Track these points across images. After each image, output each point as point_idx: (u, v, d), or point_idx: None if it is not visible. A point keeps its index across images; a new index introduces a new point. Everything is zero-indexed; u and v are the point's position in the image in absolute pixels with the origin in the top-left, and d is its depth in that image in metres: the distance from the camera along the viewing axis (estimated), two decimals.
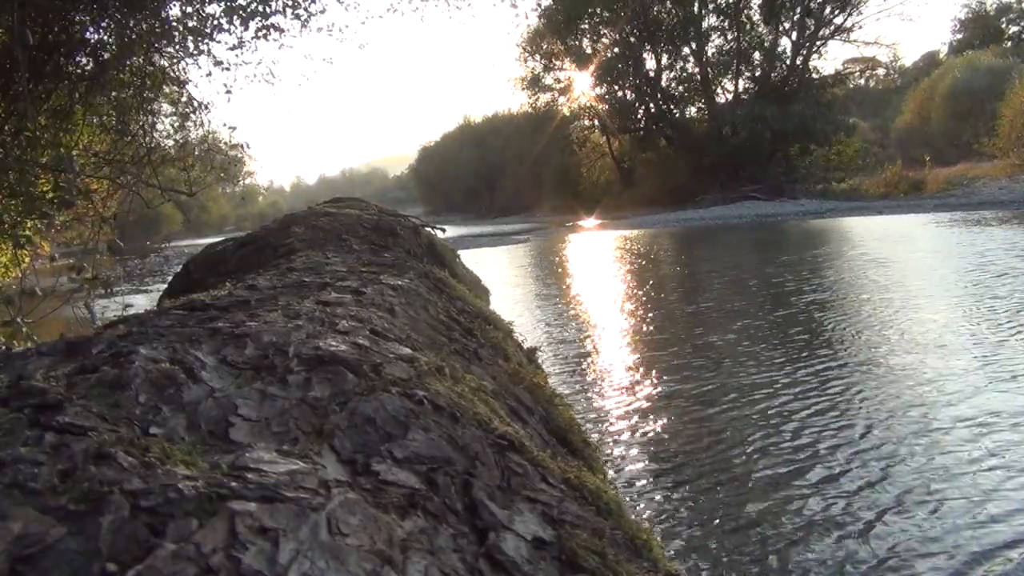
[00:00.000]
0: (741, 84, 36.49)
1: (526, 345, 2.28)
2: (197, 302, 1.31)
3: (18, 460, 0.60)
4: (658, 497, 3.53)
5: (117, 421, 0.72)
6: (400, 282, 1.80)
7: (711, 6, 35.87)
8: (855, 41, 35.25)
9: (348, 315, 1.29)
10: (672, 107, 38.60)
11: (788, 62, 35.00)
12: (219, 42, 6.37)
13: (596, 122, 40.73)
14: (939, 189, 26.30)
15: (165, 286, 2.85)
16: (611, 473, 3.73)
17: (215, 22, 6.10)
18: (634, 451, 4.17)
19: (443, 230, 3.60)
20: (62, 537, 0.52)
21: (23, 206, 4.85)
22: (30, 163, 4.95)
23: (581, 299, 10.64)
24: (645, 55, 38.25)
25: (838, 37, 34.80)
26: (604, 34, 38.68)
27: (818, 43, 34.64)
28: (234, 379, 0.89)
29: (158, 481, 0.60)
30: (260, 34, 6.33)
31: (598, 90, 39.07)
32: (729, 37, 36.38)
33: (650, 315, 8.63)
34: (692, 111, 38.65)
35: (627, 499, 3.43)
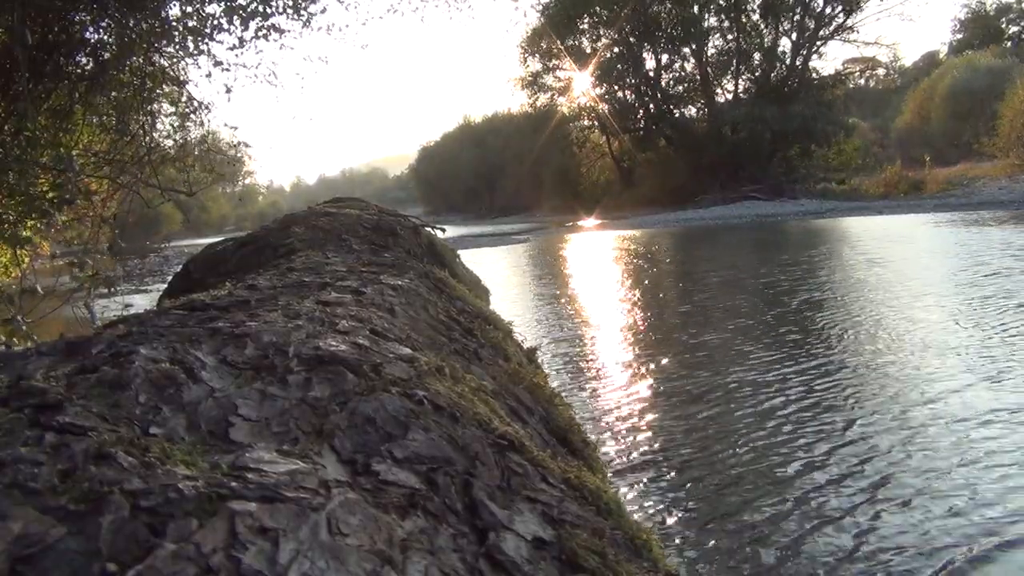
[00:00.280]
0: (741, 84, 36.53)
1: (526, 345, 2.28)
2: (197, 302, 1.31)
3: (18, 460, 0.60)
4: (658, 496, 3.53)
5: (117, 421, 0.72)
6: (400, 282, 1.80)
7: (711, 6, 35.88)
8: (855, 41, 35.28)
9: (348, 315, 1.29)
10: (672, 107, 38.61)
11: (788, 62, 35.01)
12: (219, 42, 6.36)
13: (596, 122, 40.75)
14: (939, 189, 26.32)
15: (165, 286, 2.85)
16: (611, 473, 3.73)
17: (215, 22, 6.10)
18: (633, 450, 4.17)
19: (443, 230, 3.59)
20: (62, 537, 0.52)
21: (23, 206, 4.85)
22: (30, 163, 4.95)
23: (581, 299, 10.65)
24: (645, 55, 38.29)
25: (838, 37, 34.83)
26: (604, 34, 38.70)
27: (818, 43, 34.66)
28: (234, 379, 0.89)
29: (158, 481, 0.60)
30: (260, 34, 6.33)
31: (598, 90, 39.12)
32: (729, 37, 36.42)
33: (650, 315, 8.63)
34: (692, 111, 38.71)
35: (627, 499, 3.43)
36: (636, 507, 3.37)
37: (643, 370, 5.97)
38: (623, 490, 3.57)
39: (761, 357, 5.98)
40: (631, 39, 37.67)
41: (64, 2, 5.46)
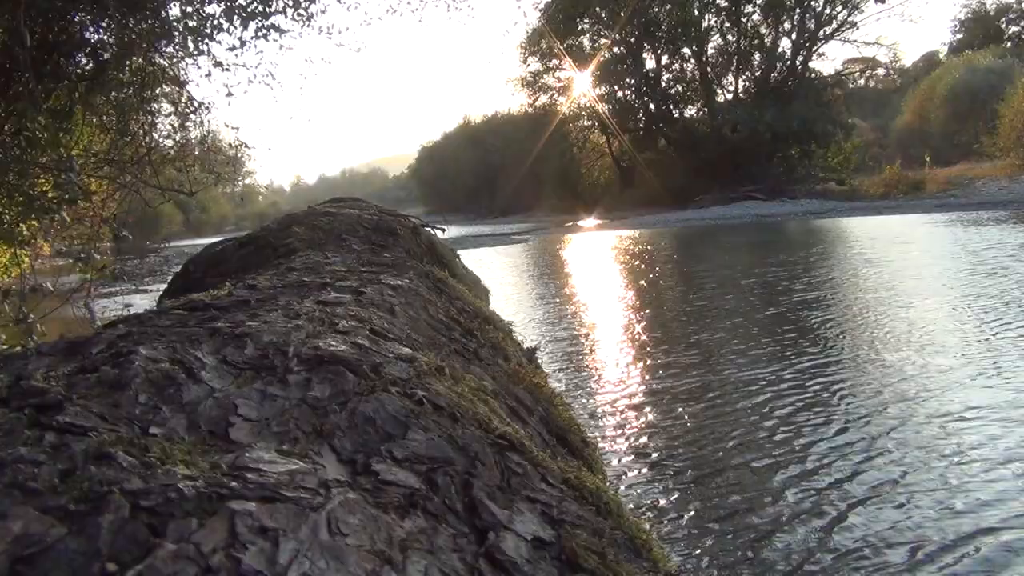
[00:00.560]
0: (741, 84, 36.54)
1: (526, 345, 2.28)
2: (197, 302, 1.31)
3: (18, 460, 0.60)
4: (658, 496, 3.53)
5: (117, 421, 0.72)
6: (400, 282, 1.80)
7: (711, 6, 35.90)
8: (855, 41, 35.32)
9: (348, 315, 1.29)
10: (672, 107, 38.62)
11: (788, 62, 35.02)
12: (219, 42, 6.35)
13: (596, 122, 40.76)
14: (939, 189, 26.31)
15: (165, 286, 2.85)
16: (610, 473, 3.73)
17: (215, 22, 6.09)
18: (633, 450, 4.18)
19: (443, 229, 3.59)
20: (62, 537, 0.52)
21: (23, 206, 4.85)
22: (30, 163, 4.94)
23: (581, 299, 10.64)
24: (645, 55, 38.30)
25: (838, 37, 34.85)
26: (604, 34, 38.71)
27: (818, 43, 34.68)
28: (234, 379, 0.89)
29: (158, 481, 0.60)
30: (260, 34, 6.32)
31: (598, 90, 39.13)
32: (729, 37, 36.44)
33: (650, 315, 8.63)
34: (692, 111, 38.73)
35: (626, 499, 3.43)
36: (636, 507, 3.37)
37: (643, 370, 5.97)
38: (623, 490, 3.57)
39: (760, 356, 5.99)
40: (631, 39, 37.67)
41: (64, 2, 5.46)
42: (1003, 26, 45.76)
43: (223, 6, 6.08)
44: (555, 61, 40.21)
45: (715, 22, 36.56)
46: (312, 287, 1.56)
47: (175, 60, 6.26)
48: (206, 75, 6.52)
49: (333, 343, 1.06)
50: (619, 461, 4.01)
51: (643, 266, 14.28)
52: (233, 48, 6.33)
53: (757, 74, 36.11)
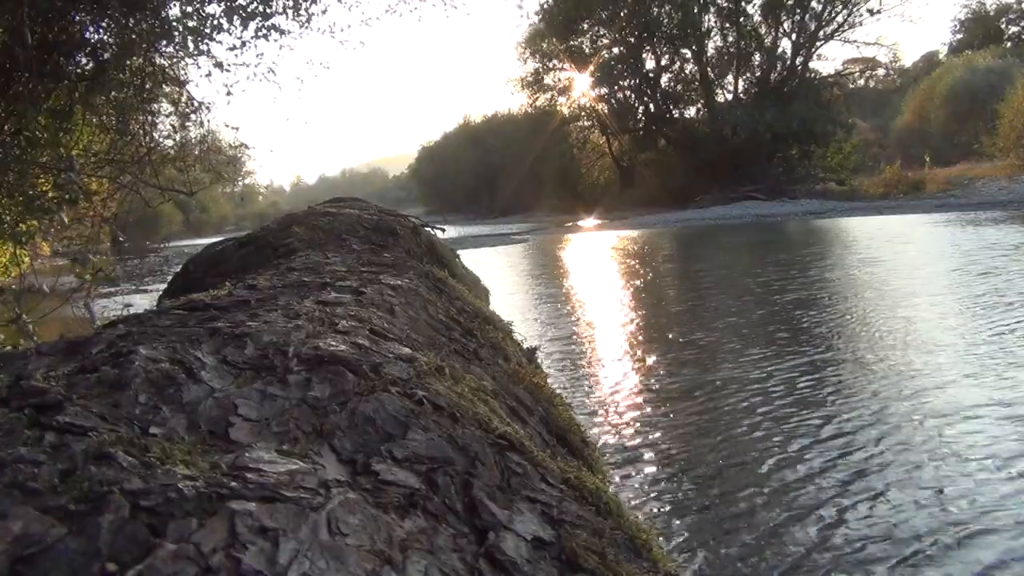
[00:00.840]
0: (741, 84, 36.53)
1: (526, 345, 2.28)
2: (197, 302, 1.31)
3: (18, 460, 0.60)
4: (658, 496, 3.53)
5: (117, 421, 0.72)
6: (400, 282, 1.79)
7: (711, 7, 35.89)
8: (855, 41, 35.29)
9: (348, 315, 1.29)
10: (672, 107, 38.61)
11: (788, 62, 35.01)
12: (219, 42, 6.35)
13: (596, 122, 40.75)
14: (939, 189, 26.30)
15: (165, 286, 2.85)
16: (610, 473, 3.73)
17: (215, 22, 6.08)
18: (633, 450, 4.18)
19: (443, 229, 3.59)
20: (62, 537, 0.52)
21: (23, 206, 4.85)
22: (30, 163, 4.94)
23: (580, 299, 10.65)
24: (644, 55, 38.28)
25: (838, 37, 34.84)
26: (604, 34, 38.71)
27: (818, 43, 34.67)
28: (234, 379, 0.89)
29: (158, 481, 0.60)
30: (260, 34, 6.31)
31: (598, 90, 39.10)
32: (729, 38, 36.42)
33: (650, 315, 8.63)
34: (692, 111, 38.71)
35: (626, 499, 3.44)
36: (636, 507, 3.37)
37: (643, 370, 5.97)
38: (623, 490, 3.57)
39: (758, 355, 5.99)
40: (631, 40, 37.66)
41: (64, 2, 5.45)
42: (1003, 26, 45.75)
43: (223, 6, 6.08)
44: (555, 62, 40.23)
45: (715, 22, 36.60)
46: (312, 287, 1.56)
47: (175, 60, 6.26)
48: (206, 75, 6.50)
49: (333, 343, 1.06)
50: (619, 461, 4.01)
51: (643, 266, 14.28)
52: (233, 48, 6.33)
53: (757, 74, 36.10)
